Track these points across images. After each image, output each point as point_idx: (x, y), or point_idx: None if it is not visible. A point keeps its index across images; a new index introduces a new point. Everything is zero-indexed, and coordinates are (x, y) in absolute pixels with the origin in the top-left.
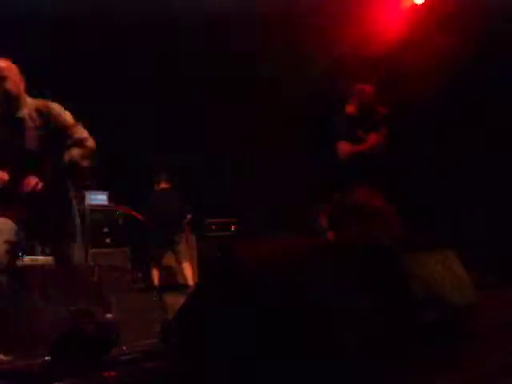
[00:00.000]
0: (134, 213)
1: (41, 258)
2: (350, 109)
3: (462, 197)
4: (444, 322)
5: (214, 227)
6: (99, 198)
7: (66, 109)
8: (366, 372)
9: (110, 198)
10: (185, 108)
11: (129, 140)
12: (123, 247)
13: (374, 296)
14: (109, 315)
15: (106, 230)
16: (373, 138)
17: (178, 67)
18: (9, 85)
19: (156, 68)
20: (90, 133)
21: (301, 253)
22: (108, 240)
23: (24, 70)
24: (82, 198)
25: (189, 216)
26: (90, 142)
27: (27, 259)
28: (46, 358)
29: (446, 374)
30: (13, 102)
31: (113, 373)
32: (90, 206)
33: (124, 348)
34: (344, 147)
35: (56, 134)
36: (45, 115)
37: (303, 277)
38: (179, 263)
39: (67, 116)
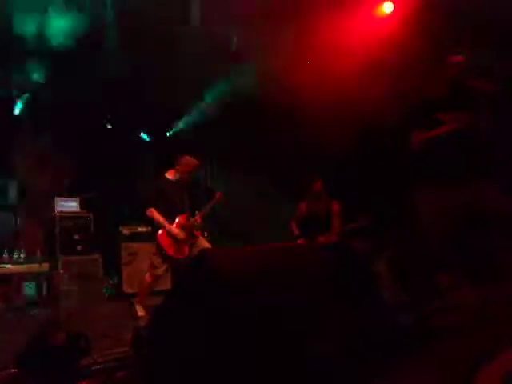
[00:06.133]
0: None
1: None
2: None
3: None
4: (418, 323)
5: None
6: (70, 205)
7: None
8: (344, 377)
9: (80, 205)
10: None
11: None
12: (94, 254)
13: (347, 301)
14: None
15: (76, 237)
16: (453, 119)
17: None
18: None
19: None
20: None
21: (274, 259)
22: (79, 247)
23: None
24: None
25: None
26: None
27: None
28: (14, 369)
29: (423, 373)
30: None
31: (84, 382)
32: (61, 212)
33: (95, 357)
34: (416, 136)
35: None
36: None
37: (277, 283)
38: None
39: None
